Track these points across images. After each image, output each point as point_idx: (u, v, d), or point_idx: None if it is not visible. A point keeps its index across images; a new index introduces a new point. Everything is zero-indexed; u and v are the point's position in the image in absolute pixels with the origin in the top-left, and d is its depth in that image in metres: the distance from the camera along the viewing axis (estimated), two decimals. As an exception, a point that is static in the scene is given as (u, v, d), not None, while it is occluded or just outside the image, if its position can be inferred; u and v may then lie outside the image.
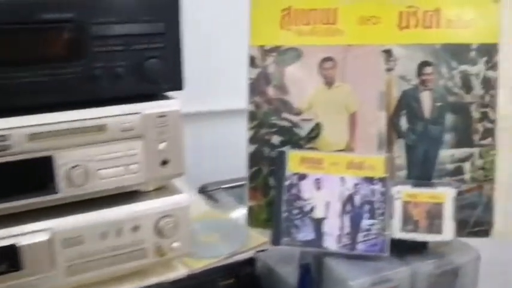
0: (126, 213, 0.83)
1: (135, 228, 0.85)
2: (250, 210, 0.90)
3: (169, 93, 0.83)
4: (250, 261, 0.91)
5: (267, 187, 0.89)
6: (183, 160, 0.84)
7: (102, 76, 0.75)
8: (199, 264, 0.91)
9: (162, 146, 0.82)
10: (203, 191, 1.34)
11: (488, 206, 0.87)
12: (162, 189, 0.90)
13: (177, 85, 0.82)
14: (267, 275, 0.93)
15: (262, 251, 0.93)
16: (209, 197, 1.29)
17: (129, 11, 0.75)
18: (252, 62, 0.88)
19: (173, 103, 0.82)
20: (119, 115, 0.78)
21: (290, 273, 0.88)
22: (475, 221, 0.87)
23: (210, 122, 1.38)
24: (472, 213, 0.87)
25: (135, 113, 0.80)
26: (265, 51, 0.88)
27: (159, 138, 0.82)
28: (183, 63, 0.79)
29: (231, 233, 1.02)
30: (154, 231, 0.85)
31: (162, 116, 0.80)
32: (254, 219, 0.90)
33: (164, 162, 0.83)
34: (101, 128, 0.77)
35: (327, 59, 0.87)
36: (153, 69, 0.78)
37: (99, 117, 0.77)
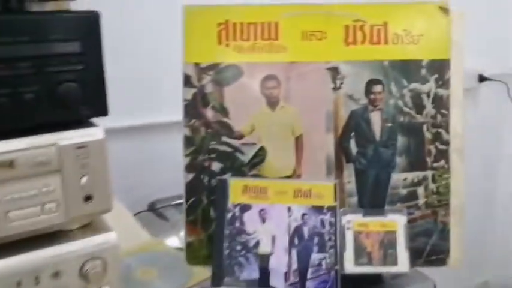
0: (44, 257, 0.73)
1: (56, 275, 0.75)
2: (189, 246, 0.84)
3: (94, 120, 0.73)
4: (193, 302, 0.82)
5: (208, 220, 0.83)
6: (110, 194, 0.75)
7: (7, 104, 0.65)
8: (131, 309, 0.82)
9: (84, 180, 0.73)
10: (152, 208, 1.28)
11: (444, 233, 0.84)
12: (88, 227, 0.79)
13: (100, 110, 0.72)
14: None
15: (207, 288, 0.84)
16: (158, 215, 1.24)
17: (39, 28, 0.65)
18: (187, 81, 0.80)
19: (95, 131, 0.73)
20: (30, 148, 0.68)
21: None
22: (430, 249, 0.84)
23: (156, 134, 1.30)
24: (427, 241, 0.84)
25: (49, 145, 0.70)
26: (202, 69, 0.80)
27: (80, 171, 0.72)
28: (105, 85, 0.70)
29: (171, 267, 0.93)
30: (79, 277, 0.75)
31: (82, 146, 0.71)
32: (194, 256, 0.84)
33: (87, 198, 0.74)
34: (8, 164, 0.67)
35: (270, 78, 0.81)
36: (69, 94, 0.69)
37: (6, 152, 0.66)
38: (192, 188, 0.83)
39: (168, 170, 1.11)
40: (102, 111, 0.73)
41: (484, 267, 1.67)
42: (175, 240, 1.06)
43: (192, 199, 0.83)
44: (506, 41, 1.65)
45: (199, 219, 0.84)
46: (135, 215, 1.22)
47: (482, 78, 1.51)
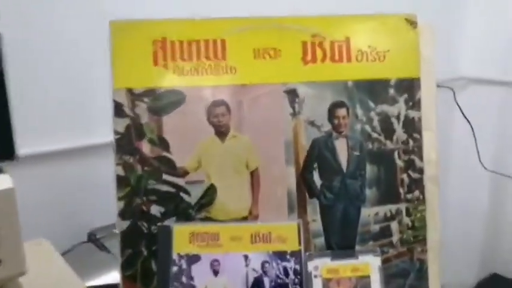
0: None
1: None
2: None
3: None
4: None
5: (149, 275, 0.73)
6: (22, 255, 0.60)
7: None
8: None
9: (-13, 241, 0.57)
10: (91, 239, 1.16)
11: (421, 272, 0.78)
12: (-1, 294, 0.64)
13: (6, 153, 0.58)
14: None
15: None
16: (99, 247, 1.13)
17: None
18: (119, 110, 0.68)
19: (3, 179, 0.58)
20: None
21: None
22: None
23: (92, 157, 1.14)
24: (403, 282, 0.77)
25: None
26: (135, 96, 0.68)
27: (-18, 230, 0.57)
28: (11, 125, 0.56)
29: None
30: None
31: (-17, 199, 0.56)
32: None
33: (-7, 262, 0.58)
34: None
35: (217, 103, 0.70)
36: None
37: None
38: (128, 238, 0.73)
39: (108, 195, 0.96)
40: (9, 153, 0.59)
41: (493, 260, 1.61)
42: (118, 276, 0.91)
43: (129, 251, 0.71)
44: (451, 46, 1.62)
45: (139, 275, 0.73)
46: (73, 247, 1.11)
47: None
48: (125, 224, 0.72)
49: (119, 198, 0.71)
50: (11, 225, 0.60)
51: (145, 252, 0.72)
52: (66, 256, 1.02)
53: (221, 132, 0.73)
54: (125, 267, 0.72)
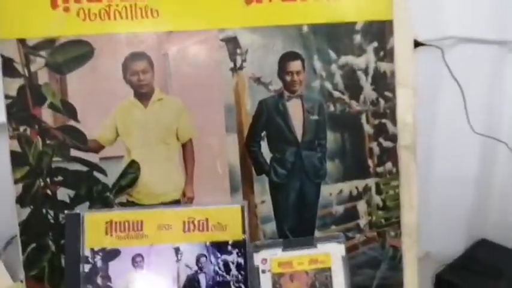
0: None
1: None
2: None
3: None
4: None
5: (60, 274, 0.61)
6: None
7: None
8: None
9: None
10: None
11: (395, 261, 0.67)
12: None
13: None
14: None
15: None
16: None
17: None
18: (9, 67, 0.59)
19: None
20: None
21: None
22: (379, 284, 0.67)
23: None
24: (373, 273, 0.67)
25: None
26: (30, 49, 0.55)
27: None
28: None
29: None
30: None
31: None
32: None
33: None
34: None
35: (137, 56, 0.61)
36: None
37: None
38: (30, 230, 0.63)
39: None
40: None
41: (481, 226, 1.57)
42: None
43: (32, 245, 0.59)
44: (439, 4, 1.48)
45: (46, 274, 0.62)
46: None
47: (416, 44, 1.38)
48: (25, 212, 0.61)
49: (16, 181, 0.61)
50: None
51: (52, 247, 0.61)
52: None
53: (143, 94, 0.62)
54: (28, 266, 0.61)
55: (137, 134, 0.61)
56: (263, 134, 0.64)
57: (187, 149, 0.63)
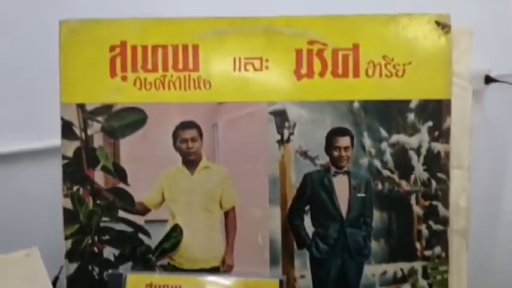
0: None
1: None
2: None
3: None
4: None
5: None
6: None
7: None
8: None
9: None
10: None
11: None
12: None
13: None
14: None
15: None
16: None
17: None
18: (67, 130, 0.64)
19: None
20: None
21: None
22: None
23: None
24: None
25: None
26: (88, 114, 0.65)
27: None
28: None
29: None
30: None
31: None
32: None
33: None
34: None
35: (187, 125, 0.62)
36: None
37: None
38: (76, 284, 0.65)
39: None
40: None
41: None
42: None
43: None
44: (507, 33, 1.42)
45: None
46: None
47: (488, 80, 1.32)
48: (73, 267, 0.64)
49: (67, 237, 0.64)
50: None
51: None
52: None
53: (190, 161, 0.63)
54: None
55: (182, 200, 0.63)
56: (307, 208, 0.63)
57: (229, 217, 0.63)
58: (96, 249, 0.64)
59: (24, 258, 1.05)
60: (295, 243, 0.63)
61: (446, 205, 0.62)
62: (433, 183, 0.63)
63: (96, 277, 0.64)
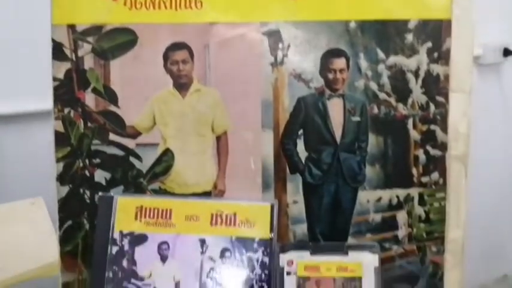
0: None
1: None
2: None
3: None
4: None
5: (90, 251, 0.63)
6: None
7: None
8: None
9: None
10: None
11: (435, 279, 0.63)
12: None
13: None
14: None
15: None
16: None
17: None
18: (58, 51, 0.62)
19: None
20: None
21: None
22: None
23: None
24: None
25: None
26: (79, 34, 0.61)
27: None
28: None
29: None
30: None
31: None
32: None
33: None
34: None
35: (178, 47, 0.61)
36: None
37: None
38: (67, 207, 0.65)
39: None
40: None
41: (503, 260, 1.50)
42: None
43: (69, 222, 0.64)
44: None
45: (80, 251, 0.65)
46: None
47: (507, 52, 1.28)
48: (64, 190, 0.64)
49: (58, 159, 0.64)
50: None
51: (87, 226, 0.63)
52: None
53: (181, 84, 0.63)
54: (64, 241, 0.63)
55: (173, 124, 0.62)
56: (300, 132, 0.62)
57: (221, 142, 0.62)
58: (87, 173, 0.63)
59: (30, 206, 1.07)
60: (287, 168, 0.63)
61: (444, 130, 0.62)
62: (432, 106, 0.62)
63: (88, 200, 0.64)
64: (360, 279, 0.61)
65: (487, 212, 1.06)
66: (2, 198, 0.98)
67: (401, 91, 0.61)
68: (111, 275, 0.61)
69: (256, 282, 0.60)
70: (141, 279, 0.61)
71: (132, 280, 0.61)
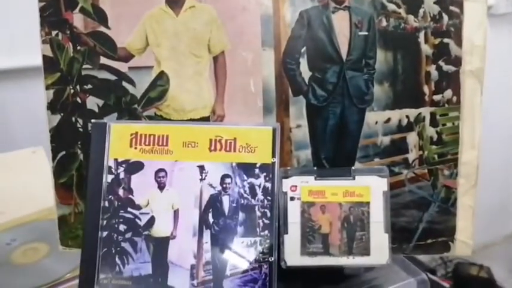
0: None
1: None
2: (62, 222, 0.63)
3: None
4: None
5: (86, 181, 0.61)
6: None
7: None
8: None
9: None
10: None
11: (447, 204, 0.60)
12: None
13: None
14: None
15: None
16: None
17: None
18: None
19: None
20: None
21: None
22: (426, 228, 0.60)
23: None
24: (420, 215, 0.60)
25: None
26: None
27: None
28: None
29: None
30: None
31: None
32: (69, 235, 0.63)
33: None
34: None
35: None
36: None
37: None
38: (60, 137, 0.62)
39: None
40: None
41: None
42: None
43: (62, 153, 0.61)
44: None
45: (75, 182, 0.62)
46: None
47: None
48: (56, 119, 0.61)
49: (47, 86, 0.60)
50: None
51: (81, 156, 0.60)
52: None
53: (175, 0, 0.58)
54: (57, 173, 0.60)
55: (167, 44, 0.58)
56: (303, 50, 0.57)
57: (219, 63, 0.58)
58: (79, 100, 0.60)
59: (31, 154, 1.06)
60: (290, 89, 0.59)
61: (459, 43, 0.57)
62: (445, 17, 0.57)
63: (80, 129, 0.60)
64: (367, 203, 0.57)
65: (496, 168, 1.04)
66: (6, 147, 0.99)
67: (412, 1, 0.56)
68: (107, 204, 0.57)
69: (258, 209, 0.57)
70: (138, 207, 0.58)
71: (129, 209, 0.58)
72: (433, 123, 0.59)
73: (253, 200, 0.58)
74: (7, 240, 0.77)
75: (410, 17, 0.57)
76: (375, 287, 0.57)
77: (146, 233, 0.58)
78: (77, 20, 0.59)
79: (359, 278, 0.59)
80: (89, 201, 0.59)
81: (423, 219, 0.60)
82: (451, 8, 0.56)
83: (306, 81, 0.58)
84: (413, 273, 0.60)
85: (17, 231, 0.79)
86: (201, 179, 0.58)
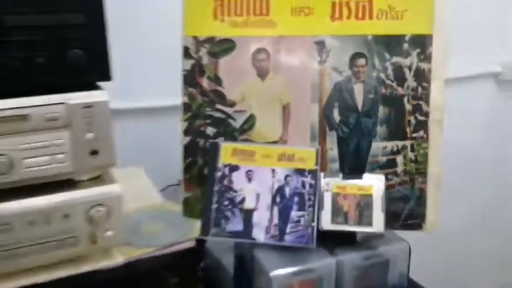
0: (55, 201, 0.83)
1: (66, 217, 0.84)
2: (186, 201, 0.93)
3: (102, 84, 0.81)
4: (193, 251, 0.92)
5: (202, 178, 0.91)
6: (113, 151, 0.83)
7: (22, 67, 0.74)
8: (136, 253, 0.91)
9: (89, 136, 0.81)
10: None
11: (421, 199, 0.89)
12: (97, 179, 0.88)
13: (104, 76, 0.81)
14: (211, 265, 0.93)
15: (205, 241, 0.91)
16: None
17: (47, 1, 0.74)
18: (186, 52, 0.88)
19: (100, 94, 0.82)
20: (43, 105, 0.77)
21: (231, 264, 0.90)
22: (407, 213, 0.89)
23: None
24: (404, 206, 0.89)
25: (60, 103, 0.79)
26: (199, 42, 0.86)
27: (87, 128, 0.81)
28: (109, 54, 0.78)
29: (176, 222, 1.01)
30: (86, 220, 0.84)
31: (88, 106, 0.80)
32: (190, 210, 0.93)
33: (93, 152, 0.83)
34: (24, 118, 0.77)
35: (260, 51, 0.86)
36: (75, 60, 0.77)
37: (22, 107, 0.76)
38: (189, 150, 0.92)
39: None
40: (106, 76, 0.82)
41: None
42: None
43: (189, 160, 0.91)
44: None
45: (195, 177, 0.91)
46: (165, 188, 1.26)
47: None
48: (187, 139, 0.92)
49: (184, 120, 0.92)
50: (106, 127, 0.83)
51: (200, 162, 0.91)
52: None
53: (262, 74, 0.88)
54: (185, 172, 0.93)
55: (256, 98, 0.89)
56: (336, 104, 0.87)
57: (286, 110, 0.88)
58: (202, 129, 0.89)
59: (138, 170, 1.35)
60: (327, 127, 0.87)
61: (427, 103, 0.85)
62: (419, 89, 0.85)
63: (202, 146, 0.91)
64: (371, 195, 0.88)
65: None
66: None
67: (400, 79, 0.85)
68: (217, 189, 0.91)
69: (306, 195, 0.90)
70: (235, 191, 0.90)
71: (230, 192, 0.89)
72: (412, 149, 0.85)
73: (303, 190, 0.89)
74: (138, 217, 1.05)
75: (399, 88, 0.85)
76: (374, 246, 0.85)
77: (240, 206, 0.85)
78: (205, 82, 0.90)
79: (364, 240, 0.86)
80: (207, 188, 0.87)
81: (405, 208, 0.86)
82: (423, 83, 0.85)
83: (337, 122, 0.87)
84: (399, 240, 0.88)
85: (145, 214, 1.08)
86: (273, 177, 0.89)
